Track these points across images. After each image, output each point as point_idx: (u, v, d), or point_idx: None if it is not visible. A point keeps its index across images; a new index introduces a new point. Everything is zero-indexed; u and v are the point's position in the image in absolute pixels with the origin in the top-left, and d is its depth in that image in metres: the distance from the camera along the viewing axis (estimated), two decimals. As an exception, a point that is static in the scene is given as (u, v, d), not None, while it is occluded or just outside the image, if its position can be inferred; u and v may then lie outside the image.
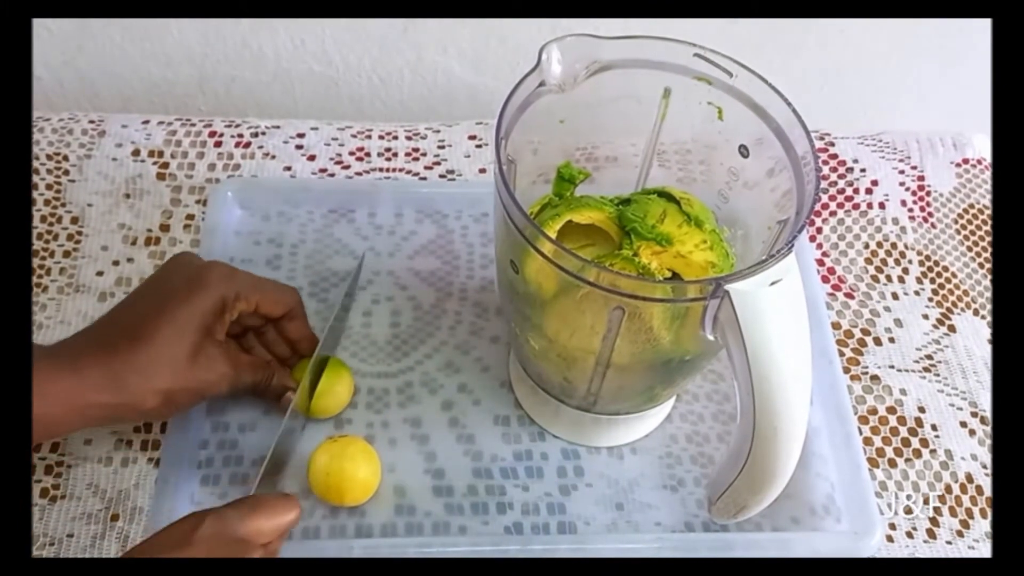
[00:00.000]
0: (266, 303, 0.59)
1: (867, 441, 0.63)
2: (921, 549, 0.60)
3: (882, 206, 0.76)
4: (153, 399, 0.52)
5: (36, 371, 0.49)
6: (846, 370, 0.66)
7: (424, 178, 0.75)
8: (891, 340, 0.69)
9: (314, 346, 0.61)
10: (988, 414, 0.65)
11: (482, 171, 0.76)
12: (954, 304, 0.71)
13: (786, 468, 0.47)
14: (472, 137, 0.77)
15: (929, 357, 0.68)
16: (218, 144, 0.75)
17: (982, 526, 0.61)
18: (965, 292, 0.72)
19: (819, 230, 0.75)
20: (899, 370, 0.67)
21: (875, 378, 0.67)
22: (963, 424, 0.65)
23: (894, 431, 0.64)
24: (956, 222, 0.76)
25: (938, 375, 0.67)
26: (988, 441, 0.64)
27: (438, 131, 0.78)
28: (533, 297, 0.50)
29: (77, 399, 0.50)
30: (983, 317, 0.70)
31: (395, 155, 0.76)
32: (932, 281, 0.72)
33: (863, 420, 0.64)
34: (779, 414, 0.44)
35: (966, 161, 0.80)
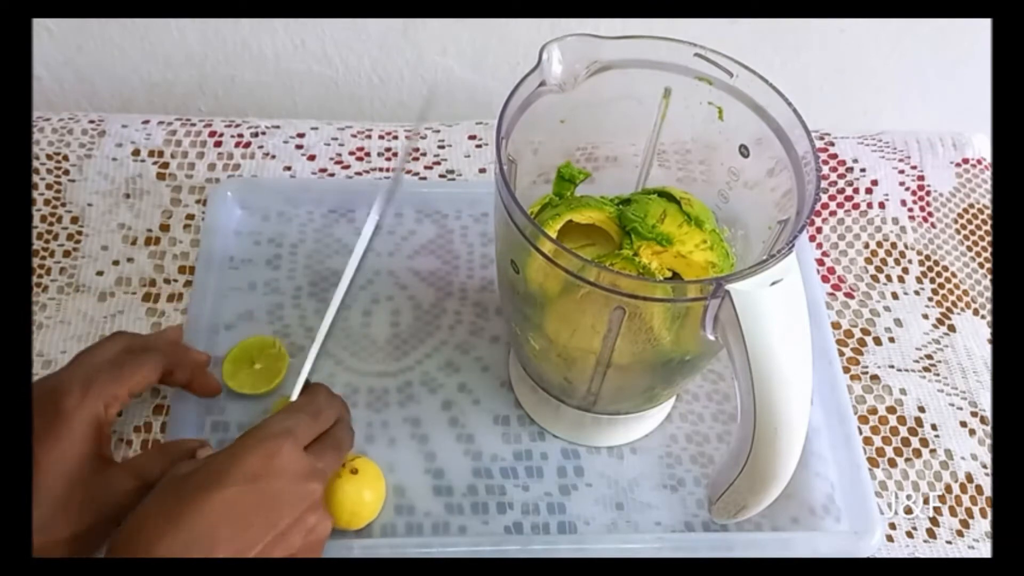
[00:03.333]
0: (137, 387, 0.54)
1: (867, 441, 0.63)
2: (921, 549, 0.60)
3: (882, 206, 0.76)
4: (61, 550, 0.47)
5: None
6: (846, 370, 0.66)
7: (424, 178, 0.75)
8: (891, 340, 0.69)
9: (205, 384, 0.58)
10: (988, 414, 0.65)
11: (482, 171, 0.76)
12: (954, 304, 0.71)
13: (787, 468, 0.47)
14: (472, 137, 0.77)
15: (929, 357, 0.68)
16: (218, 144, 0.75)
17: (982, 526, 0.61)
18: (965, 292, 0.72)
19: (819, 230, 0.75)
20: (899, 370, 0.67)
21: (875, 378, 0.67)
22: (963, 424, 0.65)
23: (894, 431, 0.64)
24: (956, 222, 0.76)
25: (938, 375, 0.67)
26: (988, 441, 0.64)
27: (438, 131, 0.78)
28: (534, 297, 0.50)
29: None
30: (983, 317, 0.70)
31: (395, 155, 0.76)
32: (932, 281, 0.72)
33: (863, 420, 0.64)
34: (780, 414, 0.44)
35: (966, 161, 0.80)
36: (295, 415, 0.51)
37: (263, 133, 0.76)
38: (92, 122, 0.76)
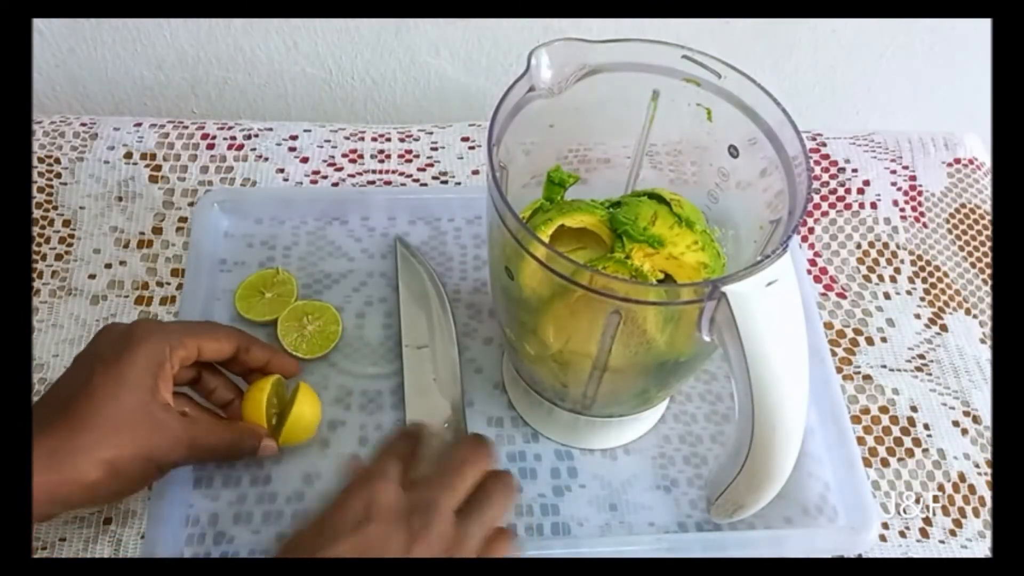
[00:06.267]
0: (209, 346, 0.55)
1: (860, 441, 0.63)
2: (914, 548, 0.60)
3: (874, 206, 0.76)
4: (95, 471, 0.48)
5: None
6: (838, 370, 0.67)
7: (417, 179, 0.75)
8: (883, 340, 0.69)
9: (284, 364, 0.59)
10: (980, 413, 0.66)
11: (475, 172, 0.76)
12: (946, 303, 0.71)
13: (784, 467, 0.47)
14: (465, 139, 0.77)
15: (921, 356, 0.68)
16: (211, 147, 0.75)
17: (975, 525, 0.61)
18: (957, 292, 0.72)
19: (811, 230, 0.75)
20: (891, 370, 0.67)
21: (867, 378, 0.67)
22: (955, 423, 0.65)
23: (886, 431, 0.64)
24: (948, 222, 0.76)
25: (930, 374, 0.67)
26: (981, 440, 0.64)
27: (431, 133, 0.78)
28: (529, 302, 0.50)
29: None
30: (975, 316, 0.71)
31: (388, 157, 0.76)
32: (924, 281, 0.72)
33: (855, 420, 0.64)
34: (777, 414, 0.44)
35: (957, 161, 0.80)
36: (389, 459, 0.49)
37: (256, 135, 0.76)
38: (84, 125, 0.76)
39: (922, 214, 0.76)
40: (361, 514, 0.44)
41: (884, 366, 0.67)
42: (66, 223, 0.70)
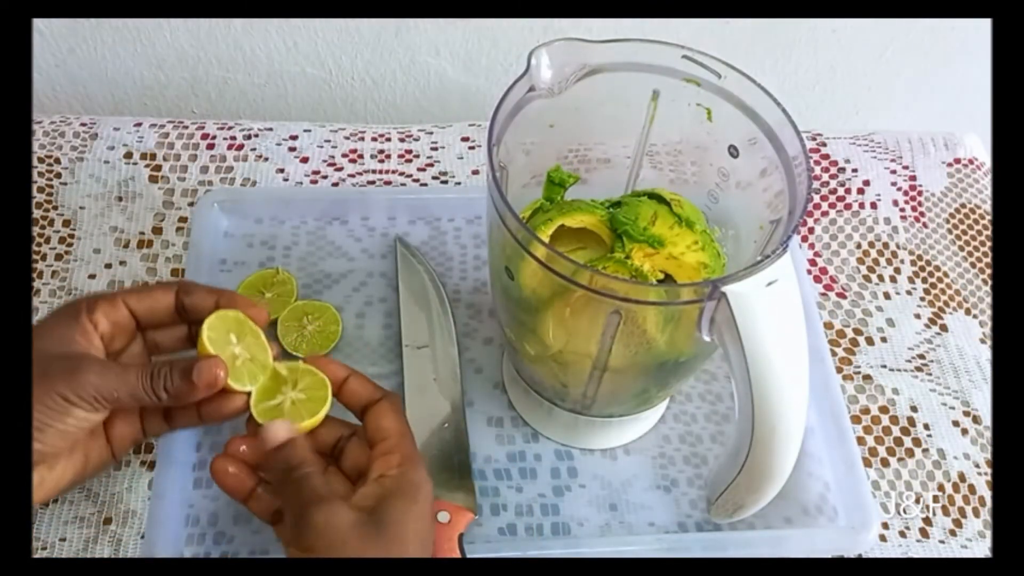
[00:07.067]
0: (139, 302, 0.51)
1: (860, 441, 0.63)
2: (914, 548, 0.60)
3: (874, 206, 0.76)
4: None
5: None
6: (838, 370, 0.67)
7: (417, 179, 0.75)
8: (883, 340, 0.69)
9: (236, 300, 0.52)
10: (980, 413, 0.66)
11: (475, 172, 0.76)
12: (946, 303, 0.71)
13: (784, 467, 0.47)
14: (465, 139, 0.77)
15: (921, 356, 0.68)
16: (211, 147, 0.75)
17: (975, 525, 0.61)
18: (957, 292, 0.72)
19: (811, 230, 0.75)
20: (891, 370, 0.67)
21: (867, 378, 0.67)
22: (955, 423, 0.65)
23: (886, 431, 0.64)
24: (948, 222, 0.76)
25: (930, 374, 0.67)
26: (981, 440, 0.64)
27: (431, 133, 0.78)
28: (529, 302, 0.50)
29: None
30: (975, 316, 0.71)
31: (388, 157, 0.76)
32: (924, 281, 0.72)
33: (855, 420, 0.64)
34: (777, 414, 0.44)
35: (958, 161, 0.80)
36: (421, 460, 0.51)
37: (256, 135, 0.76)
38: (84, 125, 0.76)
39: (922, 214, 0.76)
40: (425, 533, 0.48)
41: (884, 366, 0.67)
42: (66, 223, 0.70)
